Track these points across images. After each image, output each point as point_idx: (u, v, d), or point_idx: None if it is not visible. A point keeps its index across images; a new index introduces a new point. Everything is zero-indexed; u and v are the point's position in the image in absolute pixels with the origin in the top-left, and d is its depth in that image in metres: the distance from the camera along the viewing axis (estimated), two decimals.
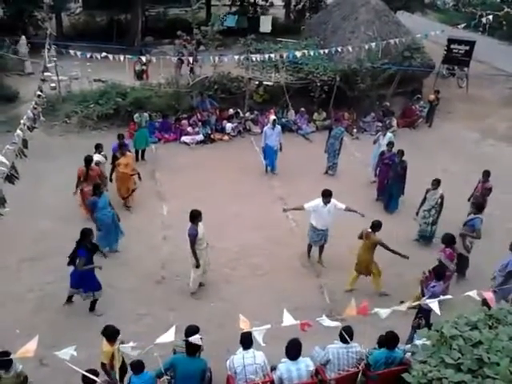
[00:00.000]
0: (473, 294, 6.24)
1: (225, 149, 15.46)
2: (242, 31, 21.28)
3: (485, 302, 6.09)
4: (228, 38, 18.93)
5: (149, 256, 10.16)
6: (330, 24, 20.05)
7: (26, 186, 10.62)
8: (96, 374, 5.80)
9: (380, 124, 16.97)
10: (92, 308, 8.73)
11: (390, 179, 12.14)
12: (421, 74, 18.75)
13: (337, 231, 10.14)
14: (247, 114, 16.71)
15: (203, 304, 9.10)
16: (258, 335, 5.74)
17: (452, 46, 19.91)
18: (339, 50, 16.98)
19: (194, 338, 5.80)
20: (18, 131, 8.77)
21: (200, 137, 15.70)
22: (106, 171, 11.69)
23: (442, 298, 6.35)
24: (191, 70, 17.47)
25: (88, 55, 15.89)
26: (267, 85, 17.12)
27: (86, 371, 5.57)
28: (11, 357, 5.52)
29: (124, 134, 14.43)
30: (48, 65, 12.98)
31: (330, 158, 13.79)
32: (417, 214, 10.94)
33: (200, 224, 8.67)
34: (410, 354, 6.68)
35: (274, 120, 13.60)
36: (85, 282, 8.45)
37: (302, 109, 16.84)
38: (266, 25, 26.06)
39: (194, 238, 8.61)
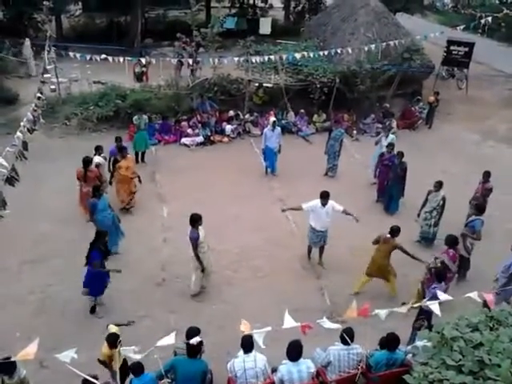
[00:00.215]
0: (473, 295, 6.23)
1: (225, 150, 15.47)
2: (242, 33, 21.29)
3: (486, 304, 6.09)
4: (227, 39, 18.96)
5: (149, 258, 10.15)
6: (330, 26, 20.09)
7: (27, 188, 10.63)
8: (96, 377, 5.79)
9: (380, 125, 17.00)
10: (93, 310, 8.72)
11: (390, 181, 12.15)
12: (420, 75, 18.78)
13: (337, 233, 10.14)
14: (247, 116, 16.72)
15: (204, 306, 9.09)
16: (258, 337, 5.74)
17: (451, 48, 19.91)
18: (339, 51, 17.02)
19: (193, 340, 5.79)
20: (18, 133, 8.78)
21: (200, 139, 15.70)
22: (105, 173, 11.69)
23: (442, 299, 6.34)
24: (192, 72, 17.49)
25: (88, 57, 15.92)
26: (267, 86, 17.15)
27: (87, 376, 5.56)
28: (12, 359, 5.50)
29: (124, 136, 14.56)
30: (48, 67, 12.99)
31: (329, 160, 13.80)
32: (418, 215, 10.94)
33: (200, 227, 8.67)
34: (411, 355, 6.69)
35: (274, 121, 13.61)
36: (93, 284, 8.48)
37: (302, 110, 16.87)
38: (265, 27, 26.13)
39: (195, 241, 8.60)
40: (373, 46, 16.94)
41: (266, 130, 13.59)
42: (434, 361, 4.58)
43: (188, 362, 6.31)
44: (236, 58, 16.60)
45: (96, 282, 8.50)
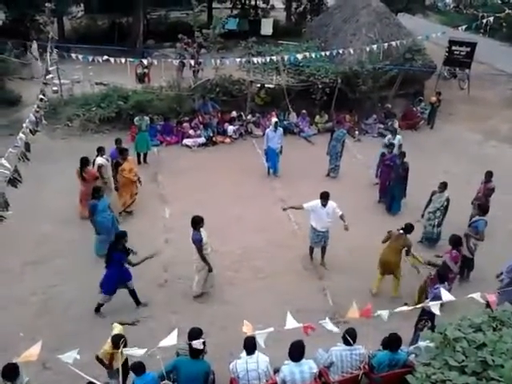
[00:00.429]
0: (476, 296, 6.22)
1: (227, 151, 15.48)
2: (244, 34, 21.33)
3: (488, 305, 6.08)
4: (229, 40, 18.94)
5: (151, 259, 10.13)
6: (331, 26, 20.09)
7: (29, 189, 10.64)
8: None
9: (382, 126, 17.00)
10: (98, 309, 8.75)
11: (392, 181, 12.13)
12: (422, 75, 18.76)
13: (339, 233, 10.09)
14: (249, 117, 16.73)
15: (206, 307, 9.10)
16: (260, 338, 5.74)
17: (453, 48, 19.89)
18: (340, 52, 17.00)
19: (196, 343, 5.79)
20: (21, 135, 8.79)
21: (202, 139, 15.71)
22: (109, 175, 11.69)
23: (445, 299, 6.33)
24: (194, 73, 17.51)
25: (90, 59, 15.94)
26: (269, 87, 17.15)
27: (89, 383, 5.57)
28: (14, 361, 5.50)
29: (126, 137, 14.64)
30: (50, 68, 13.01)
31: (331, 161, 13.79)
32: (422, 216, 10.92)
33: (202, 229, 8.67)
34: (413, 355, 6.68)
35: (276, 122, 13.60)
36: (104, 283, 8.55)
37: (304, 111, 16.85)
38: (267, 27, 26.16)
39: (199, 243, 8.60)
40: (374, 47, 16.92)
41: (268, 130, 13.60)
42: (436, 361, 4.59)
43: (190, 363, 6.32)
44: (238, 59, 16.61)
45: (107, 282, 8.56)
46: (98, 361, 6.65)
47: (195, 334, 6.21)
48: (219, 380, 7.03)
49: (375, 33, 18.41)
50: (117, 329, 6.80)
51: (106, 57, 15.72)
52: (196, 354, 6.25)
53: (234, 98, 16.76)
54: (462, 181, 12.73)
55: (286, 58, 16.71)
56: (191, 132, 15.84)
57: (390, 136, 13.35)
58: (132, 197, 11.60)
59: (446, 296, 6.23)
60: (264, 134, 13.93)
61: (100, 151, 11.54)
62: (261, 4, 29.37)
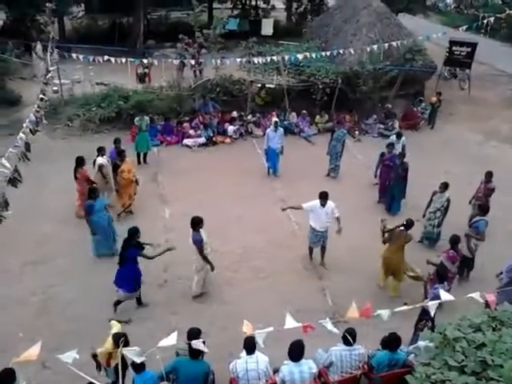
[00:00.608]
0: (475, 295, 6.21)
1: (227, 151, 15.48)
2: (244, 34, 21.35)
3: (488, 304, 6.07)
4: (230, 41, 18.97)
5: (151, 260, 10.13)
6: (332, 26, 20.10)
7: (29, 189, 10.65)
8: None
9: (382, 126, 17.01)
10: (116, 304, 8.82)
11: (392, 181, 12.13)
12: (423, 76, 18.75)
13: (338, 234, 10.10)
14: (249, 117, 16.73)
15: (206, 307, 9.09)
16: (259, 338, 5.73)
17: (454, 48, 19.90)
18: (341, 52, 17.00)
19: (197, 344, 5.78)
20: (21, 134, 8.79)
21: (202, 139, 15.71)
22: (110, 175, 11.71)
23: (444, 299, 6.33)
24: (195, 73, 17.53)
25: (90, 59, 15.96)
26: (269, 87, 17.15)
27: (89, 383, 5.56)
28: (13, 361, 5.48)
29: (126, 137, 14.66)
30: (50, 68, 13.01)
31: (332, 161, 13.78)
32: (423, 216, 10.91)
33: (201, 230, 8.67)
34: (413, 355, 6.67)
35: (276, 122, 13.60)
36: (125, 281, 8.61)
37: (304, 111, 16.85)
38: (267, 28, 26.17)
39: (200, 243, 8.61)
40: (375, 47, 16.93)
41: (268, 130, 13.60)
42: (436, 361, 4.58)
43: (190, 364, 6.31)
44: (238, 59, 16.62)
45: (127, 279, 8.62)
46: (93, 358, 6.60)
47: (194, 333, 6.21)
48: (219, 380, 7.03)
49: (376, 33, 18.42)
50: (115, 327, 6.79)
51: (106, 57, 15.74)
52: (195, 354, 6.25)
53: (234, 97, 16.76)
54: (462, 181, 12.71)
55: (286, 58, 16.72)
56: (191, 132, 15.84)
57: (394, 137, 13.35)
58: (131, 198, 11.60)
59: (445, 296, 6.22)
60: (264, 134, 13.94)
61: (100, 151, 11.55)
62: (261, 4, 29.41)
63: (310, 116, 17.00)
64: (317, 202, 9.58)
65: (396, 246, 9.17)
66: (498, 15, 20.81)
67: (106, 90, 16.76)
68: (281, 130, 13.59)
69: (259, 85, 17.26)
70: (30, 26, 21.40)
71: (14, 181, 7.85)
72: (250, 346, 6.32)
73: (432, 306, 6.28)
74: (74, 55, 16.08)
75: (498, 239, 10.54)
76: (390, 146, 12.53)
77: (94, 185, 10.75)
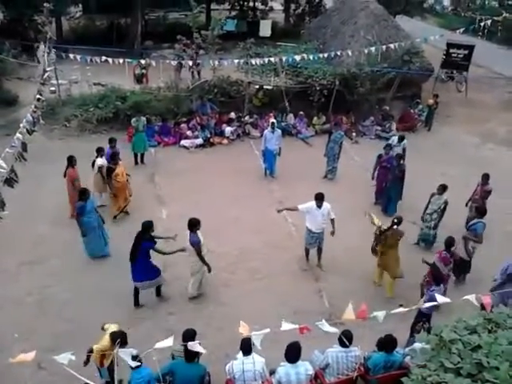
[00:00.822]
0: (471, 298, 6.22)
1: (224, 152, 15.47)
2: (242, 35, 21.34)
3: (484, 306, 6.08)
4: (227, 42, 18.97)
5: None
6: (330, 28, 20.11)
7: (26, 190, 10.62)
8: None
9: (379, 128, 17.04)
10: (159, 293, 9.12)
11: (389, 182, 12.15)
12: (420, 78, 18.81)
13: (336, 235, 10.08)
14: (246, 118, 16.74)
15: (202, 308, 9.09)
16: (256, 340, 5.73)
17: (451, 51, 19.98)
18: (338, 54, 17.04)
19: (193, 345, 5.76)
20: (18, 134, 8.75)
21: (199, 140, 15.71)
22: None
23: (440, 301, 6.33)
24: (193, 75, 17.53)
25: (88, 59, 15.97)
26: (267, 89, 17.16)
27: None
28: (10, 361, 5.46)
29: (123, 137, 14.62)
30: (48, 69, 12.99)
31: (329, 162, 13.80)
32: (422, 218, 10.90)
33: (198, 232, 8.67)
34: (409, 357, 6.67)
35: (273, 123, 13.61)
36: (148, 273, 8.76)
37: (301, 112, 16.87)
38: (265, 29, 26.17)
39: (198, 245, 8.62)
40: (373, 49, 16.97)
41: (266, 131, 13.61)
42: (432, 363, 4.57)
43: (186, 367, 6.31)
44: (236, 60, 16.63)
45: (150, 269, 8.76)
46: (87, 353, 6.55)
47: (189, 335, 6.21)
48: (215, 381, 7.01)
49: (373, 35, 18.45)
50: (113, 326, 6.77)
51: (104, 57, 15.74)
52: (191, 357, 6.24)
53: (231, 99, 16.78)
54: (459, 183, 12.72)
55: (284, 59, 16.74)
56: (189, 133, 15.83)
57: (395, 139, 13.37)
58: (126, 200, 11.59)
59: (441, 299, 6.23)
60: (262, 136, 13.95)
61: (100, 152, 11.54)
62: (259, 6, 29.40)
63: (307, 117, 17.02)
64: (313, 203, 9.58)
65: (392, 243, 9.27)
66: (494, 18, 20.90)
67: (103, 91, 16.75)
68: (279, 131, 13.60)
69: (257, 86, 17.28)
70: (27, 26, 21.36)
71: (10, 181, 7.81)
72: (246, 347, 6.32)
73: (428, 307, 6.29)
74: (71, 55, 16.06)
75: (494, 241, 10.56)
76: (387, 147, 12.55)
77: (85, 188, 10.67)
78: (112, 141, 12.10)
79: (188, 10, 17.76)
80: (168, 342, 5.54)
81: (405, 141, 13.19)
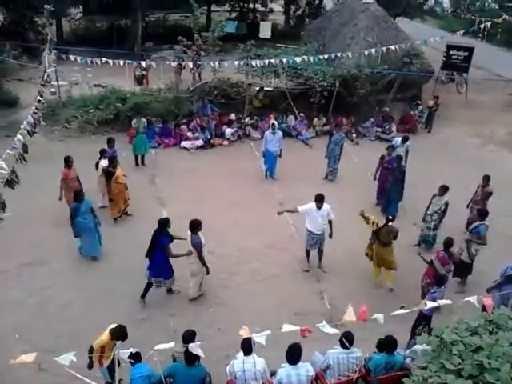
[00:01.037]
0: (472, 299, 6.23)
1: (224, 154, 15.48)
2: (242, 37, 21.38)
3: (485, 308, 6.09)
4: (228, 43, 18.98)
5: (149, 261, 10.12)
6: (330, 30, 20.14)
7: (26, 191, 10.60)
8: None
9: (379, 129, 17.05)
10: (170, 291, 9.27)
11: (389, 183, 12.14)
12: (420, 79, 18.82)
13: (336, 237, 10.10)
14: (247, 119, 16.75)
15: (203, 309, 9.08)
16: (260, 339, 5.73)
17: (451, 52, 19.99)
18: (339, 55, 17.06)
19: (193, 347, 5.76)
20: (18, 136, 8.78)
21: (200, 142, 15.72)
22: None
23: (441, 302, 6.35)
24: (194, 76, 17.55)
25: (88, 60, 16.00)
26: (267, 90, 17.17)
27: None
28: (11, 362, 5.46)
29: (124, 139, 14.62)
30: (48, 70, 13.00)
31: (330, 164, 13.81)
32: (423, 219, 10.91)
33: (199, 233, 8.68)
34: (409, 359, 6.67)
35: (274, 124, 13.63)
36: (164, 270, 8.87)
37: (302, 114, 16.88)
38: (265, 31, 26.17)
39: (200, 246, 8.63)
40: (373, 50, 16.99)
41: (266, 133, 13.63)
42: (433, 365, 4.57)
43: (186, 370, 6.29)
44: (236, 62, 16.65)
45: (165, 268, 8.87)
46: (88, 353, 6.53)
47: (189, 336, 6.21)
48: (216, 383, 7.00)
49: (373, 37, 18.46)
50: (114, 325, 6.77)
51: (104, 59, 15.77)
52: (191, 360, 6.23)
53: (232, 100, 16.79)
54: (459, 185, 12.74)
55: (284, 61, 16.76)
56: (189, 134, 15.85)
57: (399, 140, 13.38)
58: (126, 202, 11.60)
59: (443, 301, 6.25)
60: (262, 137, 13.96)
61: (103, 153, 11.56)
62: (259, 7, 29.43)
63: (307, 119, 17.02)
64: (312, 204, 9.58)
65: (385, 240, 9.40)
66: (494, 20, 20.93)
67: (103, 92, 16.75)
68: (280, 133, 13.60)
69: (257, 87, 17.29)
70: (27, 27, 21.39)
71: (11, 182, 7.82)
72: (246, 347, 6.31)
73: (429, 309, 6.30)
74: (71, 57, 16.07)
75: (495, 243, 10.53)
76: (390, 148, 12.54)
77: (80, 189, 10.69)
78: (110, 141, 12.11)
79: (188, 12, 17.77)
80: (169, 344, 5.55)
81: (408, 142, 13.21)
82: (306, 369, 6.31)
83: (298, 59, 16.64)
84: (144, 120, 14.23)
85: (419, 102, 18.63)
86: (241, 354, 6.44)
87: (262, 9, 29.46)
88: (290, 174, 13.88)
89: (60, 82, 16.65)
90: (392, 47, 17.33)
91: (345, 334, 6.58)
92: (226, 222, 11.54)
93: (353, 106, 17.22)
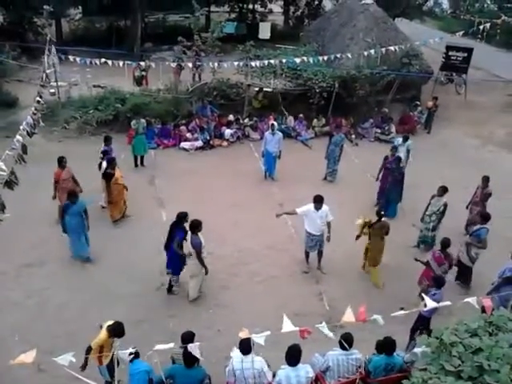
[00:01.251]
0: (472, 300, 6.23)
1: (224, 155, 15.48)
2: (241, 38, 21.38)
3: (484, 309, 6.09)
4: (227, 44, 18.99)
5: (148, 262, 10.11)
6: (329, 31, 20.16)
7: (25, 192, 10.57)
8: None
9: (378, 130, 17.06)
10: (170, 289, 9.36)
11: (389, 184, 12.15)
12: (419, 80, 18.84)
13: (335, 238, 10.09)
14: (246, 120, 16.75)
15: (202, 310, 9.08)
16: (259, 340, 5.73)
17: (450, 53, 20.01)
18: (338, 56, 17.07)
19: (192, 348, 5.76)
20: (18, 137, 8.77)
21: (199, 143, 15.72)
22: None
23: (441, 304, 6.34)
24: (194, 77, 17.54)
25: (87, 61, 15.99)
26: (266, 91, 17.17)
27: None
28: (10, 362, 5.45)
29: (123, 139, 14.61)
30: (47, 71, 12.99)
31: (329, 165, 13.80)
32: (422, 219, 10.91)
33: (199, 234, 8.67)
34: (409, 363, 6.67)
35: (273, 125, 13.63)
36: (174, 264, 9.10)
37: (301, 115, 16.88)
38: (264, 31, 26.20)
39: (199, 247, 8.64)
40: (372, 51, 17.00)
41: (266, 133, 13.63)
42: (433, 366, 4.58)
43: (185, 372, 6.29)
44: (235, 63, 16.65)
45: (175, 262, 9.06)
46: (86, 353, 6.54)
47: (188, 337, 6.21)
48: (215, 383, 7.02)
49: (372, 37, 18.48)
50: (110, 322, 6.76)
51: (103, 59, 15.76)
52: (190, 362, 6.22)
53: (231, 101, 16.79)
54: (458, 186, 12.74)
55: (283, 61, 16.75)
56: (188, 135, 15.84)
57: (399, 139, 13.38)
58: (125, 203, 11.60)
59: (443, 303, 6.25)
60: (261, 138, 13.96)
61: (105, 154, 11.54)
62: (259, 8, 29.45)
63: (306, 120, 17.03)
64: (311, 206, 9.56)
65: (379, 235, 9.56)
66: (493, 21, 20.96)
67: (103, 93, 16.76)
68: (279, 134, 13.59)
69: (256, 88, 17.28)
70: (27, 28, 21.39)
71: (10, 183, 7.82)
72: (245, 347, 6.30)
73: (428, 310, 6.30)
74: (71, 57, 16.08)
75: (494, 245, 10.52)
76: (393, 149, 12.54)
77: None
78: (107, 139, 12.10)
79: (187, 13, 17.77)
80: (168, 345, 5.54)
81: (409, 141, 13.22)
82: (305, 370, 6.30)
83: (297, 60, 16.64)
84: (143, 121, 14.23)
85: (418, 102, 18.65)
86: (236, 351, 6.43)
87: (262, 9, 29.50)
88: (289, 175, 13.88)
89: (59, 83, 16.63)
90: (391, 48, 17.35)
91: (344, 336, 6.58)
92: (226, 223, 11.53)
93: (352, 106, 17.23)
